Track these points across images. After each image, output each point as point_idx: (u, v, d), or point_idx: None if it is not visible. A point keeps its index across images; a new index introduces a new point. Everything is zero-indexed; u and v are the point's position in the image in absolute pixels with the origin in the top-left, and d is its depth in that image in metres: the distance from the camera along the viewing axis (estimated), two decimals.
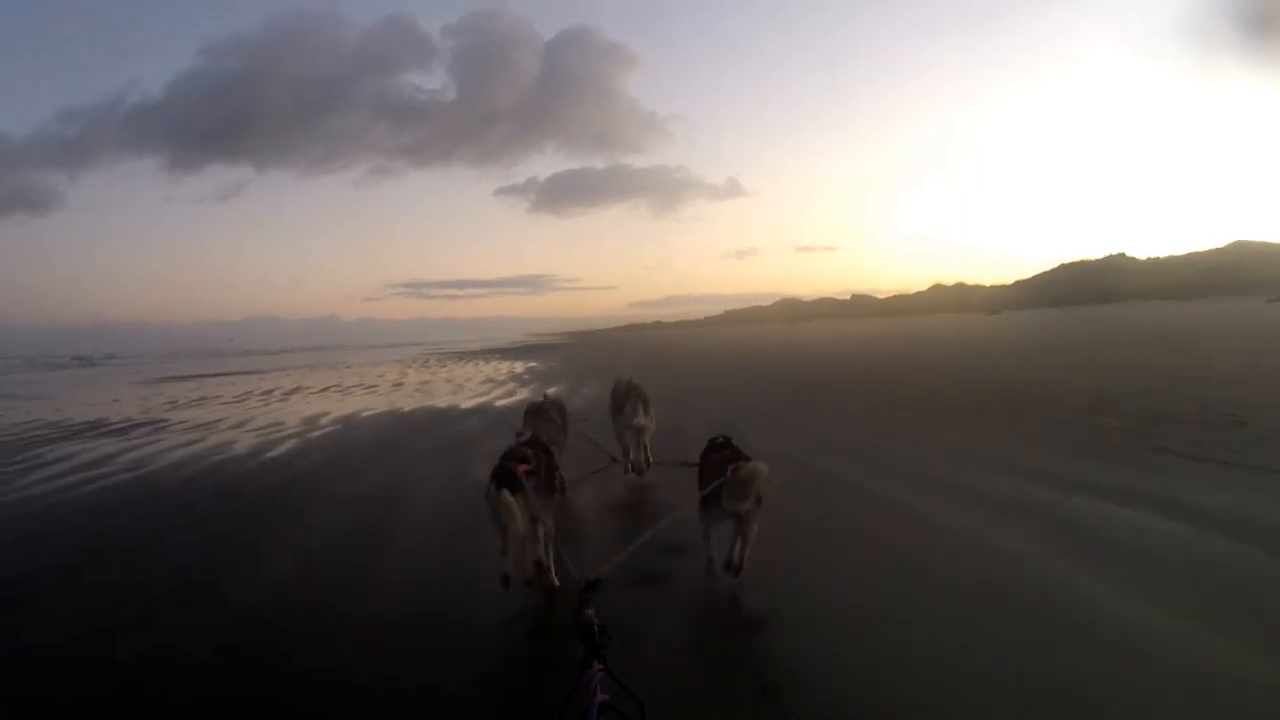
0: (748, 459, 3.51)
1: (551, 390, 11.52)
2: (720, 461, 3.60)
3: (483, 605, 3.51)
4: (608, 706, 1.83)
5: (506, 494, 3.14)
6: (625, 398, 5.86)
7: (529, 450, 3.62)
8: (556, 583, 3.48)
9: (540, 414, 5.39)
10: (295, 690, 2.88)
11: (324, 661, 3.09)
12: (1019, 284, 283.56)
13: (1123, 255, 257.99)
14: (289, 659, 3.13)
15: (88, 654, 3.27)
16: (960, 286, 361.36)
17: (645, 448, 5.82)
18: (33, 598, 4.04)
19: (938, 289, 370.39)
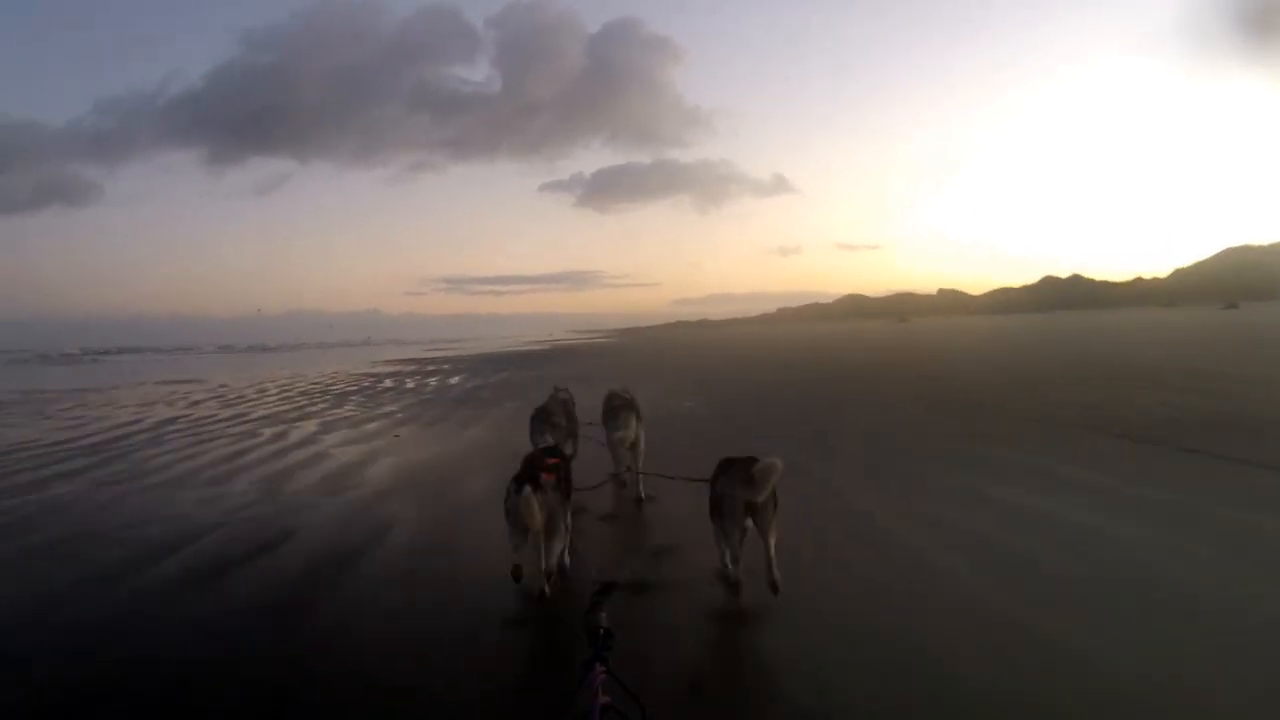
0: None
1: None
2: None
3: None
4: (610, 708, 1.80)
5: (529, 493, 3.20)
6: (619, 404, 5.58)
7: (549, 458, 3.63)
8: (548, 591, 3.37)
9: (546, 418, 5.33)
10: None
11: None
12: (1179, 273, 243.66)
13: None
14: None
15: None
16: (1077, 279, 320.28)
17: (637, 460, 5.62)
18: None
19: (1050, 281, 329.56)
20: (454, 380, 18.64)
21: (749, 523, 3.27)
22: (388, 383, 18.48)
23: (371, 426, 9.67)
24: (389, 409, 11.83)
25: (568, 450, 5.36)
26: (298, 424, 10.16)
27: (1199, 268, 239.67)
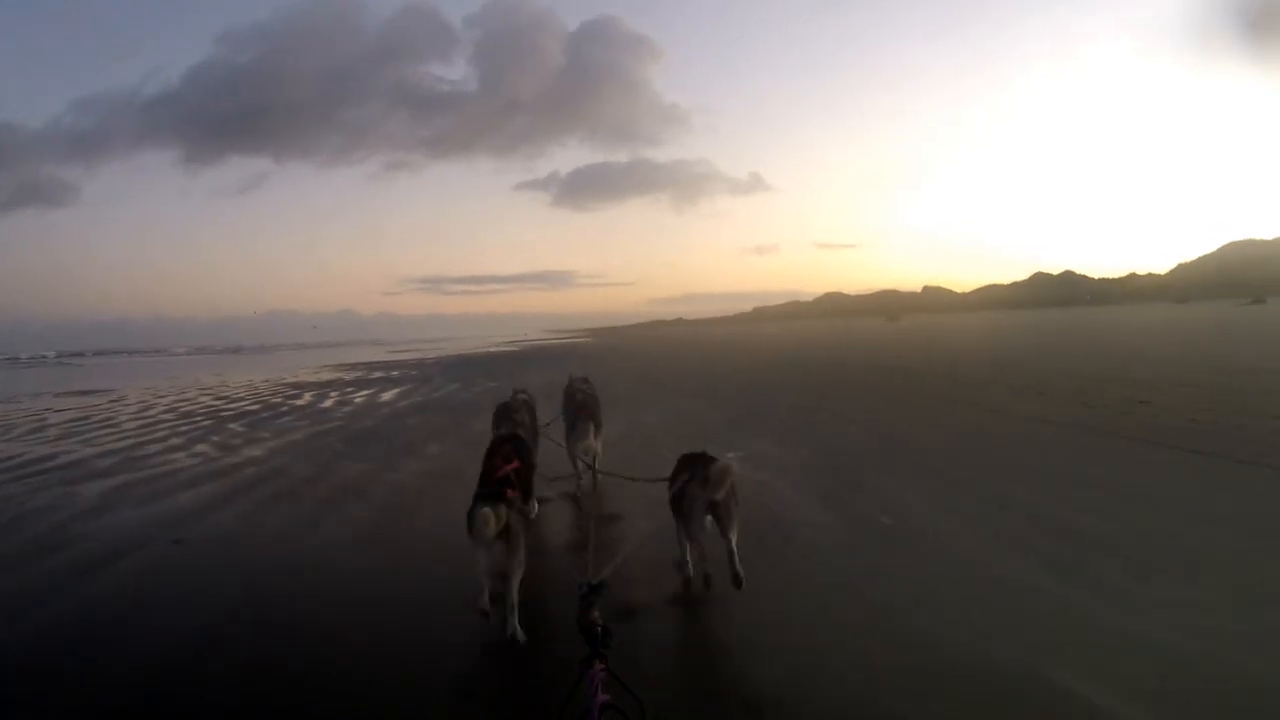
0: None
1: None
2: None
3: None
4: (609, 706, 1.78)
5: (487, 510, 2.94)
6: (578, 414, 5.49)
7: (512, 471, 3.31)
8: (522, 638, 3.00)
9: (509, 416, 5.04)
10: None
11: None
12: (1181, 268, 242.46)
13: None
14: None
15: None
16: (1069, 275, 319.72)
17: (592, 468, 5.70)
18: None
19: (1041, 278, 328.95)
20: (387, 395, 15.38)
21: (709, 520, 3.32)
22: (306, 397, 15.23)
23: (178, 501, 6.23)
24: (252, 453, 8.54)
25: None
26: (68, 490, 6.81)
27: (1202, 263, 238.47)
